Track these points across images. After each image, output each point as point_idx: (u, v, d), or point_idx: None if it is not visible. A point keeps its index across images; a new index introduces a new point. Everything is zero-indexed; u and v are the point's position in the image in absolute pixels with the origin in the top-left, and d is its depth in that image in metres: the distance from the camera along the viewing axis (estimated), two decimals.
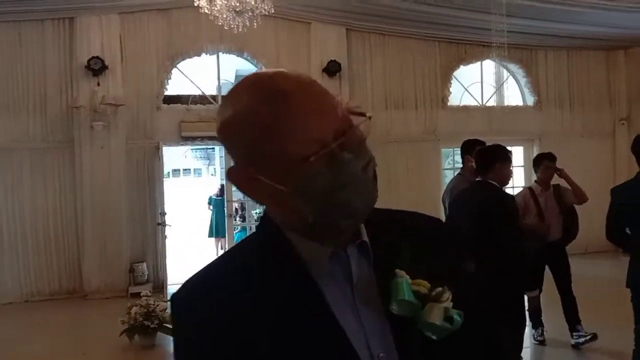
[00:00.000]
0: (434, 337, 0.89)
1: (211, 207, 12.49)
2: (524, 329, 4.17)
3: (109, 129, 7.94)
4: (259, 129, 0.85)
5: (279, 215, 0.94)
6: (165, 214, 8.31)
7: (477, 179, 3.95)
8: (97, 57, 7.89)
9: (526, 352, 4.89)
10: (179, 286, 0.94)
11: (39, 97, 7.97)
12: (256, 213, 11.95)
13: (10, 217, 7.87)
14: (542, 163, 5.35)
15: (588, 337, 5.08)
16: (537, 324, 5.34)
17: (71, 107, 7.92)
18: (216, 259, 1.00)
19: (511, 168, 3.92)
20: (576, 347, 5.14)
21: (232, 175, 0.92)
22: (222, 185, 11.18)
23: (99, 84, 7.91)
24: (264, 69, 8.81)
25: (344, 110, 0.89)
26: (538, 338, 5.33)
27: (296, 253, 0.91)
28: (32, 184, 7.92)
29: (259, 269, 0.91)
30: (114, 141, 8.02)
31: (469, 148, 4.65)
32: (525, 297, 4.29)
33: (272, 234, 0.94)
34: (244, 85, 0.91)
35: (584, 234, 5.66)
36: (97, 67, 7.87)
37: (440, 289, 0.91)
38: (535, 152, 7.31)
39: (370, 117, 0.90)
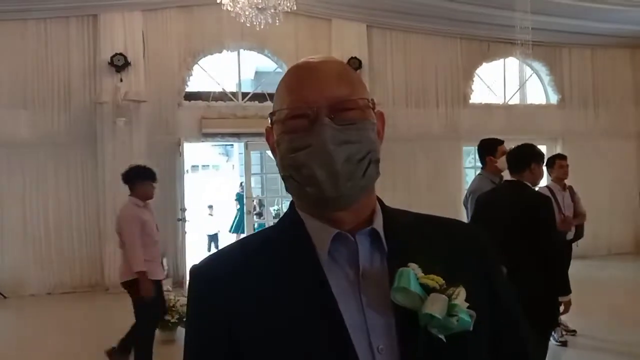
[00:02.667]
0: (442, 337, 0.84)
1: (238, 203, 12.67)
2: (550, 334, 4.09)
3: (131, 124, 8.01)
4: (278, 92, 0.96)
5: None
6: (186, 209, 8.36)
7: (506, 179, 3.85)
8: (120, 54, 7.98)
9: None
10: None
11: (63, 93, 8.08)
12: (274, 210, 11.98)
13: (35, 210, 7.99)
14: (555, 162, 5.51)
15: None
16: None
17: (94, 103, 8.02)
18: (242, 238, 1.06)
19: (543, 168, 3.84)
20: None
21: (266, 132, 0.99)
22: (241, 183, 11.23)
23: (121, 80, 7.99)
24: (284, 67, 8.89)
25: (364, 96, 0.94)
26: (560, 339, 5.25)
27: (305, 232, 0.94)
28: (56, 179, 8.04)
29: (274, 246, 0.95)
30: (136, 137, 8.09)
31: (490, 148, 4.57)
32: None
33: (290, 213, 0.99)
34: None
35: (607, 236, 5.55)
36: (120, 64, 7.95)
37: (455, 288, 0.86)
38: (559, 152, 7.20)
39: (373, 103, 0.95)
